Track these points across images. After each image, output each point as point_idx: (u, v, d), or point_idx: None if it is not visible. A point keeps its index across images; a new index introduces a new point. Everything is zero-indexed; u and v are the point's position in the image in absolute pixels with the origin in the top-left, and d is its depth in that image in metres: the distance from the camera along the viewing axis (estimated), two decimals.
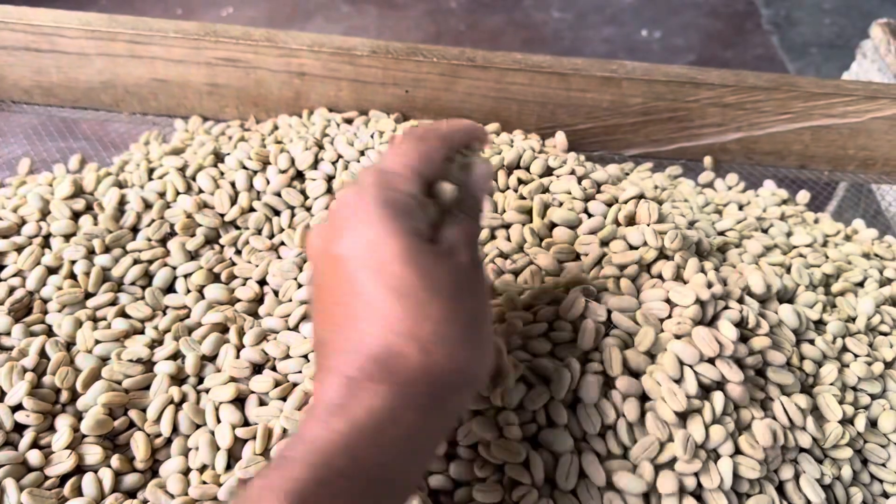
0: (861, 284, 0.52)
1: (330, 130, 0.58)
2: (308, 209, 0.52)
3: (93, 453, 0.39)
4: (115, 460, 0.39)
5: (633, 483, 0.35)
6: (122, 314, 0.45)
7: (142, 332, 0.45)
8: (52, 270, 0.47)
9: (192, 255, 0.49)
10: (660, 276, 0.42)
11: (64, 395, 0.41)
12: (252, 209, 0.51)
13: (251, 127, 0.63)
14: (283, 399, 0.41)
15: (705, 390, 0.38)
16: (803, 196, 0.64)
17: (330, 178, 0.52)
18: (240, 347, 0.44)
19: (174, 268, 0.48)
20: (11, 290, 0.45)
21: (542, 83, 0.61)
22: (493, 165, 0.33)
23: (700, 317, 0.39)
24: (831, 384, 0.43)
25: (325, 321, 0.29)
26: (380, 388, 0.26)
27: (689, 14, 1.95)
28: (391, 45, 0.61)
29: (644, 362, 0.38)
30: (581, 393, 0.36)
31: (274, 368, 0.43)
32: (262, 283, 0.48)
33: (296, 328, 0.45)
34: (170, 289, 0.48)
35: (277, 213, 0.52)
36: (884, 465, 0.42)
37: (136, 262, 0.48)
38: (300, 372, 0.42)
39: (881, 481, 0.42)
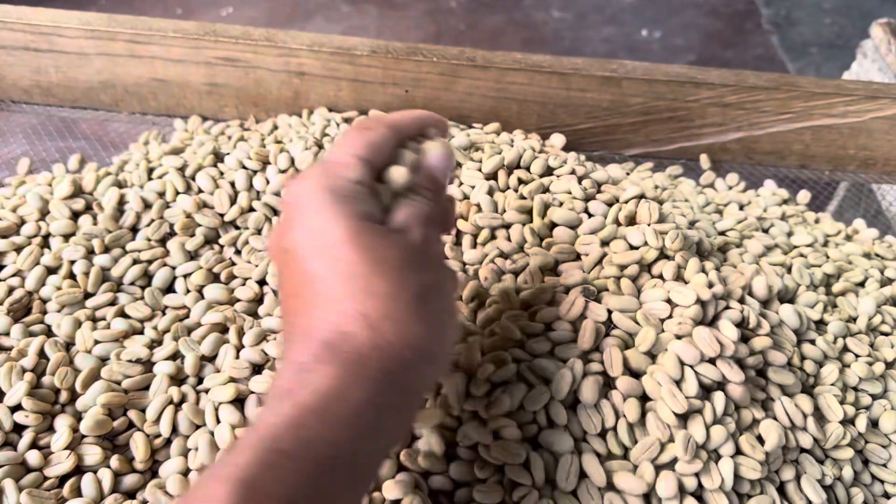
0: (862, 284, 0.52)
1: (330, 130, 0.58)
2: None
3: (92, 454, 0.39)
4: (114, 461, 0.39)
5: (633, 484, 0.35)
6: (122, 314, 0.45)
7: (141, 332, 0.45)
8: (51, 270, 0.46)
9: (192, 255, 0.49)
10: (660, 276, 0.42)
11: (63, 396, 0.41)
12: (252, 209, 0.51)
13: (251, 127, 0.63)
14: None
15: (706, 391, 0.38)
16: (804, 196, 0.64)
17: None
18: (239, 348, 0.43)
19: (174, 268, 0.48)
20: (10, 290, 0.45)
21: (542, 83, 0.61)
22: (451, 147, 0.33)
23: (701, 317, 0.39)
24: (832, 384, 0.43)
25: (286, 314, 0.30)
26: (328, 368, 0.26)
27: (689, 14, 1.95)
28: (391, 45, 0.61)
29: (645, 362, 0.38)
30: (581, 393, 0.36)
31: (273, 369, 0.43)
32: (262, 283, 0.48)
33: None
34: (169, 289, 0.48)
35: (277, 212, 0.52)
36: (885, 465, 0.42)
37: (135, 262, 0.48)
38: None
39: (882, 482, 0.42)
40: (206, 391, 0.41)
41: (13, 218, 0.48)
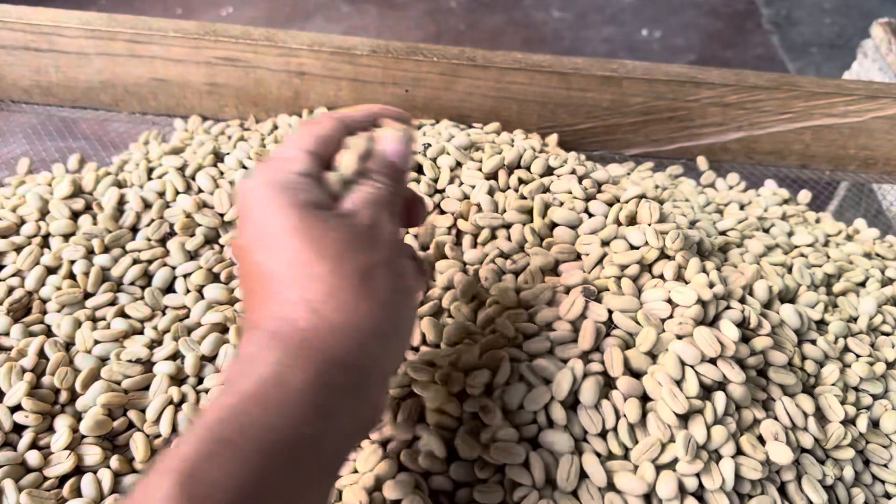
0: (863, 284, 0.52)
1: None
2: None
3: (92, 454, 0.38)
4: (114, 461, 0.39)
5: (634, 484, 0.34)
6: (122, 314, 0.45)
7: (141, 332, 0.45)
8: (51, 270, 0.46)
9: (192, 255, 0.49)
10: (661, 276, 0.42)
11: (63, 396, 0.41)
12: None
13: (251, 126, 0.63)
14: None
15: (707, 391, 0.38)
16: (804, 196, 0.64)
17: None
18: None
19: (174, 268, 0.48)
20: (10, 290, 0.45)
21: (543, 83, 0.61)
22: (409, 132, 0.33)
23: (701, 317, 0.39)
24: (833, 384, 0.43)
25: (244, 311, 0.30)
26: (269, 354, 0.26)
27: (689, 14, 1.95)
28: (391, 45, 0.61)
29: (645, 363, 0.38)
30: (582, 393, 0.36)
31: None
32: None
33: None
34: (169, 289, 0.48)
35: None
36: (886, 465, 0.42)
37: (135, 261, 0.48)
38: None
39: (883, 482, 0.42)
40: (207, 391, 0.41)
41: (13, 218, 0.48)
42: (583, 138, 0.65)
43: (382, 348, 0.29)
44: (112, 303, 0.46)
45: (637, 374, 0.38)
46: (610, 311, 0.39)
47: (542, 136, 0.61)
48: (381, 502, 0.35)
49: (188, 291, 0.47)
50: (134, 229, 0.50)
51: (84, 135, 0.64)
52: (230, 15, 1.85)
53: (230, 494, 0.23)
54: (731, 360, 0.38)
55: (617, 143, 0.66)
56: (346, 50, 0.60)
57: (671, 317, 0.39)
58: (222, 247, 0.50)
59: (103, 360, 0.43)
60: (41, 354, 0.42)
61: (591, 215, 0.46)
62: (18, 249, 0.47)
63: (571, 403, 0.37)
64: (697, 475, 0.35)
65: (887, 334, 0.48)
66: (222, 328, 0.45)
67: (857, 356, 0.45)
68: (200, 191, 0.52)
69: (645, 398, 0.37)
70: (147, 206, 0.50)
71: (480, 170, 0.50)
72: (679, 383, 0.37)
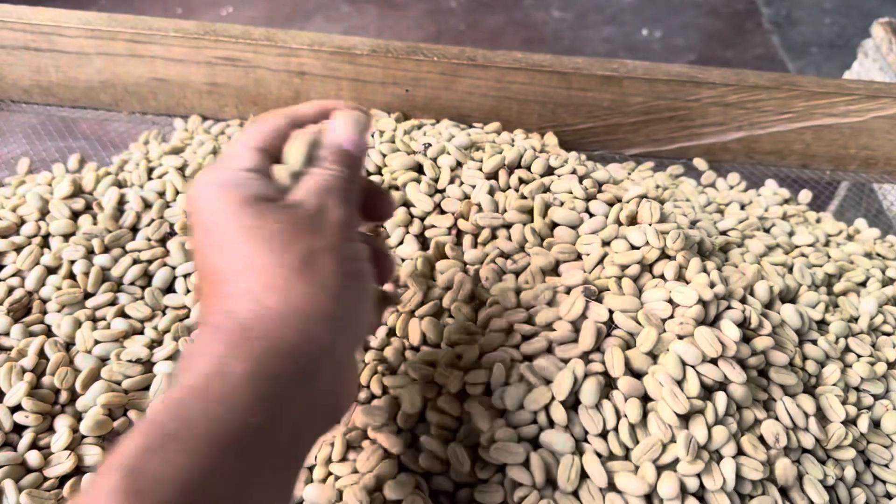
0: (863, 284, 0.52)
1: None
2: None
3: (92, 454, 0.38)
4: None
5: (635, 484, 0.34)
6: (122, 314, 0.45)
7: (141, 332, 0.45)
8: (51, 270, 0.46)
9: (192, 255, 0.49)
10: (662, 276, 0.42)
11: (63, 396, 0.41)
12: None
13: None
14: None
15: (708, 391, 0.38)
16: (805, 195, 0.64)
17: None
18: None
19: (174, 268, 0.48)
20: (10, 290, 0.45)
21: (543, 82, 0.61)
22: (363, 117, 0.33)
23: (702, 317, 0.39)
24: (834, 384, 0.43)
25: (200, 311, 0.30)
26: (212, 348, 0.26)
27: (689, 14, 1.95)
28: (391, 45, 0.60)
29: (646, 363, 0.38)
30: (582, 394, 0.36)
31: None
32: None
33: None
34: (169, 289, 0.48)
35: None
36: (887, 465, 0.42)
37: (135, 261, 0.48)
38: None
39: (884, 482, 0.42)
40: None
41: (13, 218, 0.48)
42: (583, 138, 0.65)
43: (331, 333, 0.28)
44: (112, 303, 0.46)
45: (638, 375, 0.38)
46: (611, 312, 0.39)
47: (543, 136, 0.61)
48: (382, 502, 0.35)
49: (188, 291, 0.47)
50: (134, 229, 0.49)
51: (84, 135, 0.64)
52: (230, 15, 1.85)
53: (176, 487, 0.22)
54: (731, 361, 0.38)
55: (617, 142, 0.66)
56: (347, 50, 0.60)
57: (672, 317, 0.39)
58: None
59: (103, 360, 0.43)
60: (41, 354, 0.42)
61: (591, 215, 0.46)
62: (18, 249, 0.47)
63: (572, 404, 0.37)
64: (698, 475, 0.35)
65: (888, 334, 0.48)
66: None
67: (858, 356, 0.45)
68: None
69: (646, 398, 0.37)
70: (147, 205, 0.50)
71: (481, 170, 0.50)
72: (680, 383, 0.37)
